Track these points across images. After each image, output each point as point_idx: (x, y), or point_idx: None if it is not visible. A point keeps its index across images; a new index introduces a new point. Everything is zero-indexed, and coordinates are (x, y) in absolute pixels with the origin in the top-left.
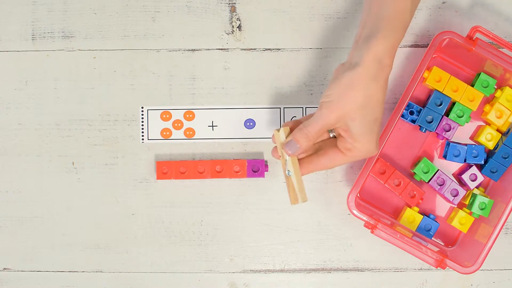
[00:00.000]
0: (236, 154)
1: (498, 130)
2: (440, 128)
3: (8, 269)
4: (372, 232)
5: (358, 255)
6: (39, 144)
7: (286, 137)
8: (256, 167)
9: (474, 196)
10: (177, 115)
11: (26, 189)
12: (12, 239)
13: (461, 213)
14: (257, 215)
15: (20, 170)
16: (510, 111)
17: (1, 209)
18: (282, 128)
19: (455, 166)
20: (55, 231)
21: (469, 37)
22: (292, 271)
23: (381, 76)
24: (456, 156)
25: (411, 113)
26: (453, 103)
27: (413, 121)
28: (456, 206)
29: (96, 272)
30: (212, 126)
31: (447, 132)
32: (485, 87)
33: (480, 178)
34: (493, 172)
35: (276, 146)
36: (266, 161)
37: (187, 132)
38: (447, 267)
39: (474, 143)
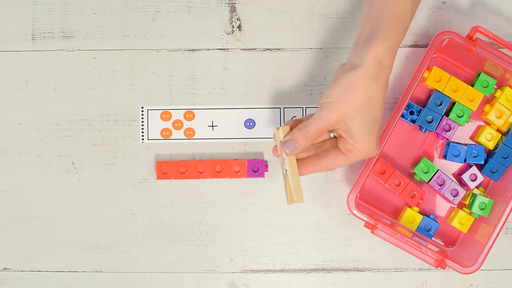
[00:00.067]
0: (236, 154)
1: (498, 130)
2: (440, 128)
3: (8, 269)
4: (372, 232)
5: (358, 255)
6: (39, 144)
7: (285, 136)
8: (256, 167)
9: (474, 196)
10: (177, 115)
11: (26, 189)
12: (12, 239)
13: (461, 213)
14: (257, 215)
15: (20, 170)
16: (510, 111)
17: (1, 209)
18: (281, 127)
19: (455, 166)
20: (55, 231)
21: (469, 37)
22: (292, 271)
23: (382, 77)
24: (456, 156)
25: (411, 113)
26: (453, 103)
27: (413, 121)
28: (456, 206)
29: (96, 272)
30: (212, 126)
31: (447, 132)
32: (485, 87)
33: (480, 178)
34: (493, 172)
35: (276, 145)
36: (266, 161)
37: (187, 132)
38: (447, 267)
39: (474, 143)
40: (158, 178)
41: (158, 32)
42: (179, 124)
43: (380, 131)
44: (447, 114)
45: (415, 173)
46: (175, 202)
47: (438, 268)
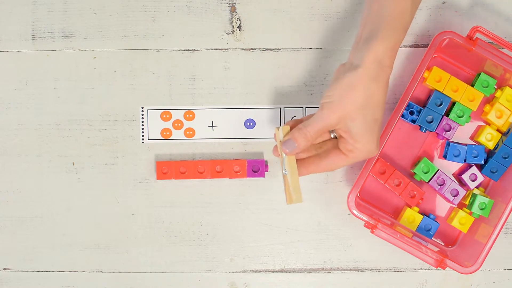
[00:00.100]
0: (236, 154)
1: (498, 130)
2: (440, 128)
3: (8, 269)
4: (372, 232)
5: (358, 255)
6: (39, 144)
7: (285, 136)
8: (256, 167)
9: (474, 196)
10: (177, 115)
11: (26, 189)
12: (12, 239)
13: (461, 213)
14: (257, 215)
15: (20, 170)
16: (510, 111)
17: (1, 209)
18: (281, 127)
19: (455, 166)
20: (55, 231)
21: (469, 37)
22: (292, 271)
23: (382, 77)
24: (456, 156)
25: (411, 113)
26: (453, 103)
27: (413, 121)
28: (456, 206)
29: (96, 272)
30: (212, 126)
31: (447, 132)
32: (485, 87)
33: (480, 178)
34: (493, 172)
35: (277, 145)
36: (266, 161)
37: (187, 132)
38: (447, 267)
39: (474, 143)
40: (158, 178)
41: (158, 32)
42: (179, 124)
43: (380, 131)
44: (447, 114)
45: (415, 173)
46: (175, 202)
47: (438, 268)
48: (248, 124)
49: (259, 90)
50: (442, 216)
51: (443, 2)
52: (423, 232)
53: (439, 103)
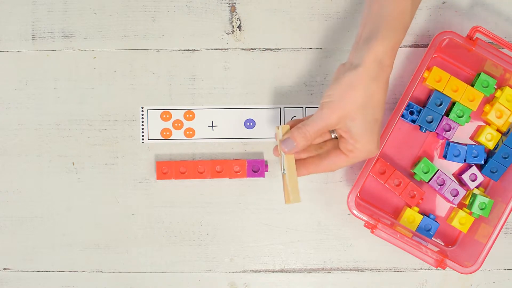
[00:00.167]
0: (236, 154)
1: (498, 130)
2: (440, 128)
3: (8, 269)
4: (372, 232)
5: (358, 255)
6: (39, 144)
7: (284, 135)
8: (256, 167)
9: (474, 196)
10: (177, 115)
11: (26, 189)
12: (12, 239)
13: (461, 213)
14: (257, 215)
15: (20, 170)
16: (510, 111)
17: (1, 209)
18: (281, 126)
19: (455, 166)
20: (55, 231)
21: (469, 37)
22: (292, 271)
23: (382, 77)
24: (456, 156)
25: (411, 113)
26: (453, 103)
27: (413, 121)
28: (456, 206)
29: (96, 272)
30: (212, 126)
31: (447, 132)
32: (485, 87)
33: (480, 178)
34: (493, 172)
35: (277, 145)
36: (266, 161)
37: (187, 132)
38: (447, 267)
39: (474, 143)
40: (158, 178)
41: (158, 32)
42: (179, 124)
43: (380, 131)
44: (447, 114)
45: (415, 173)
46: (175, 202)
47: (438, 268)
48: (248, 124)
49: (259, 90)
50: (442, 216)
51: (443, 2)
52: (423, 232)
53: (439, 103)
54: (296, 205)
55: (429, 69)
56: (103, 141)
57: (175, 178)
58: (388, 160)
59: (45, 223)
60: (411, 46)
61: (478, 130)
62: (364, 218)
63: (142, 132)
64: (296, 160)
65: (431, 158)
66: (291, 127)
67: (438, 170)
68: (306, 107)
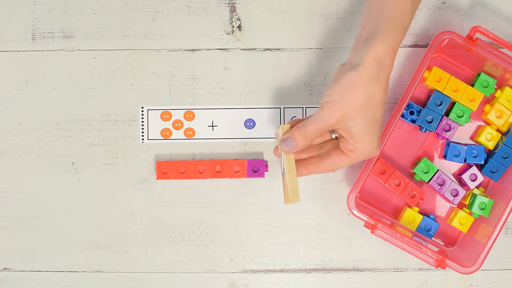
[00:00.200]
0: (236, 154)
1: (498, 130)
2: (440, 128)
3: (8, 269)
4: (372, 232)
5: (358, 255)
6: (39, 144)
7: (284, 134)
8: (256, 167)
9: (474, 196)
10: (177, 115)
11: (26, 189)
12: (12, 239)
13: (461, 213)
14: (257, 215)
15: (20, 170)
16: (510, 111)
17: (1, 209)
18: (281, 125)
19: (455, 166)
20: (55, 231)
21: (469, 37)
22: (292, 271)
23: (382, 77)
24: (456, 156)
25: (411, 113)
26: (453, 103)
27: (413, 121)
28: (456, 206)
29: (96, 272)
30: (212, 126)
31: (447, 132)
32: (485, 87)
33: (480, 178)
34: (493, 172)
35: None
36: (266, 161)
37: (187, 132)
38: (447, 267)
39: (474, 143)
40: (158, 178)
41: (158, 32)
42: (179, 124)
43: (381, 131)
44: (447, 114)
45: (415, 173)
46: (175, 202)
47: (438, 268)
48: (248, 124)
49: (259, 90)
50: (442, 216)
51: (443, 2)
52: (423, 232)
53: (439, 103)
54: (296, 205)
55: (429, 69)
56: (103, 141)
57: (175, 178)
58: (388, 160)
59: (45, 223)
60: (411, 46)
61: (478, 130)
62: (364, 218)
63: (142, 132)
64: (296, 160)
65: (431, 158)
66: (291, 127)
67: (438, 170)
68: (306, 107)
